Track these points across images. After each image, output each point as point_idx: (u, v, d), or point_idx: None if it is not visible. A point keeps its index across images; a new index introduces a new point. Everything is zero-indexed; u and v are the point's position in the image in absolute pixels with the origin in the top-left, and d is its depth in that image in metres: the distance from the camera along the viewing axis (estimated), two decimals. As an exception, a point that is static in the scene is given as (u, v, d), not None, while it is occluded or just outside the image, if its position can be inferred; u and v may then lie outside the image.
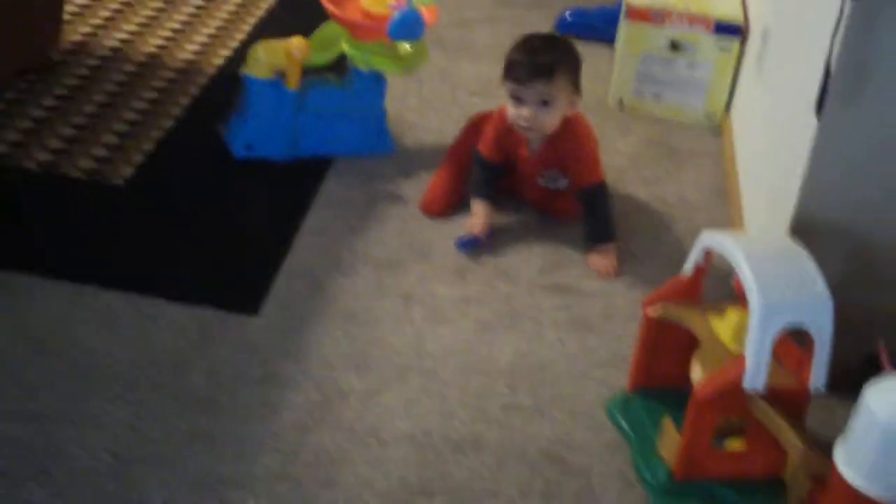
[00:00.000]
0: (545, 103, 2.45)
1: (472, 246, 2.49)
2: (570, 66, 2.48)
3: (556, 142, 2.53)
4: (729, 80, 3.04)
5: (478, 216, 2.54)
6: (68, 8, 3.15)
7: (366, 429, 2.00)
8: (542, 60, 2.44)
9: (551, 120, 2.48)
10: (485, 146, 2.60)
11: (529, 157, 2.57)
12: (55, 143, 2.65)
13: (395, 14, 2.59)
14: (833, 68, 1.95)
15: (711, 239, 1.98)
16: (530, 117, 2.46)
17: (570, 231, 2.57)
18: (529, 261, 2.48)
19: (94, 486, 1.82)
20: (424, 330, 2.25)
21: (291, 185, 2.64)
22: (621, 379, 2.15)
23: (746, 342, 1.80)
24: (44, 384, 2.01)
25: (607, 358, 2.23)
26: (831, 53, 1.95)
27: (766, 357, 1.79)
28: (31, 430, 1.91)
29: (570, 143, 2.53)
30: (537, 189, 2.62)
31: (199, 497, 1.83)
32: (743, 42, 3.00)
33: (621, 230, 2.59)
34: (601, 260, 2.49)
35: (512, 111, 2.49)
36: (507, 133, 2.55)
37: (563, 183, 2.59)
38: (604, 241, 2.52)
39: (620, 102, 3.12)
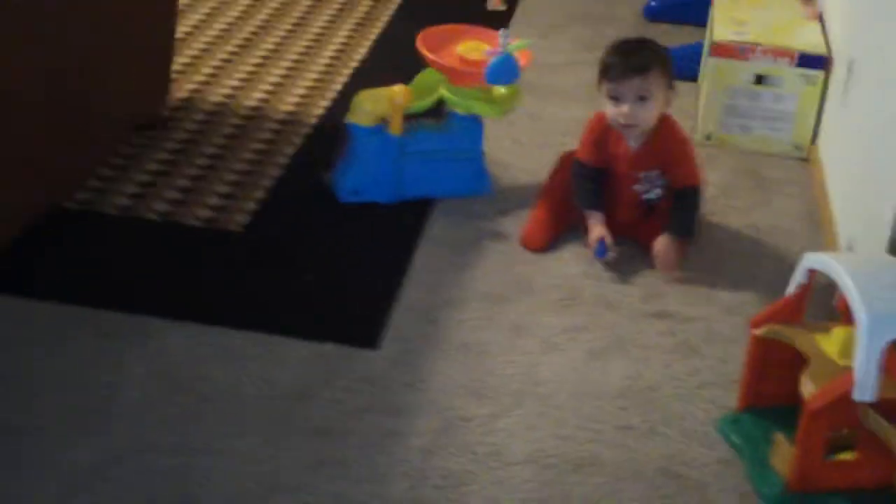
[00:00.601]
0: (642, 99, 2.57)
1: (605, 251, 2.61)
2: (663, 63, 2.61)
3: (654, 140, 2.64)
4: (815, 110, 3.12)
5: (596, 229, 2.64)
6: (174, 66, 3.30)
7: (488, 452, 2.09)
8: (636, 58, 2.59)
9: (649, 115, 2.60)
10: (583, 151, 2.72)
11: (628, 155, 2.66)
12: (172, 195, 2.79)
13: (492, 59, 2.71)
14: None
15: (814, 259, 2.06)
16: (629, 114, 2.58)
17: (668, 260, 2.67)
18: (630, 290, 2.57)
19: (239, 510, 1.93)
20: (536, 358, 2.34)
21: (397, 226, 2.75)
22: (729, 399, 2.23)
23: (855, 355, 1.88)
24: (182, 419, 2.12)
25: (713, 379, 2.31)
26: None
27: (874, 368, 1.86)
28: (174, 462, 2.02)
29: (669, 141, 2.65)
30: (630, 204, 2.70)
31: (337, 518, 1.93)
32: (827, 73, 3.07)
33: (715, 257, 2.68)
34: (668, 251, 2.60)
35: (611, 110, 2.61)
36: (605, 134, 2.67)
37: (657, 191, 2.69)
38: (680, 235, 2.62)
39: (708, 136, 3.21)
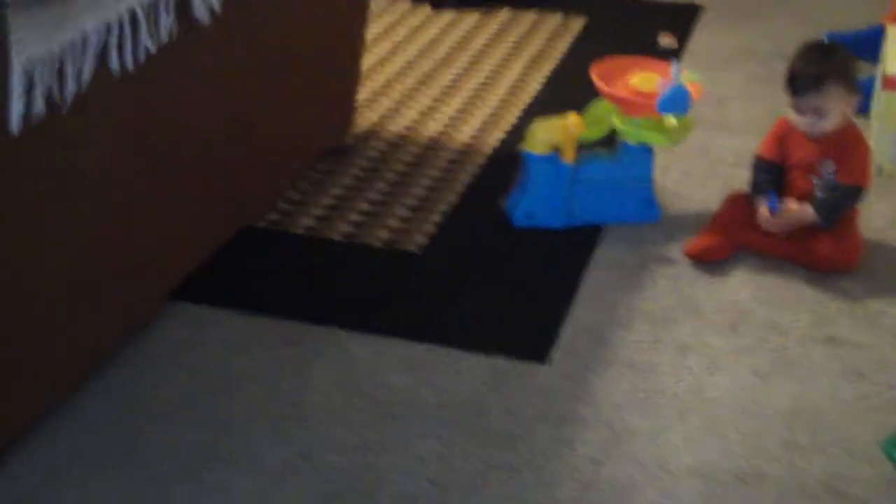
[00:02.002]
0: (820, 112, 2.70)
1: (777, 204, 2.77)
2: (842, 73, 2.71)
3: (835, 136, 2.76)
4: None
5: (766, 213, 2.78)
6: (359, 97, 3.48)
7: (654, 463, 2.17)
8: (813, 73, 2.70)
9: (828, 126, 2.73)
10: (764, 146, 2.86)
11: (809, 145, 2.78)
12: (355, 217, 2.95)
13: (665, 90, 2.80)
14: None
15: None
16: (809, 123, 2.73)
17: (836, 284, 2.70)
18: (799, 315, 2.62)
19: (416, 507, 2.05)
20: (702, 377, 2.41)
21: (568, 250, 2.85)
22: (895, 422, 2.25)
23: None
24: (362, 422, 2.26)
25: (881, 404, 2.34)
26: None
27: None
28: (357, 460, 2.16)
29: (850, 140, 2.76)
30: (805, 198, 2.77)
31: (508, 518, 2.03)
32: None
33: (887, 286, 2.70)
34: (796, 214, 2.73)
35: (795, 117, 2.76)
36: (789, 133, 2.81)
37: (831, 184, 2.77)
38: (819, 212, 2.73)
39: (880, 170, 3.22)
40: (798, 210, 2.76)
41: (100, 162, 2.17)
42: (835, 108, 2.71)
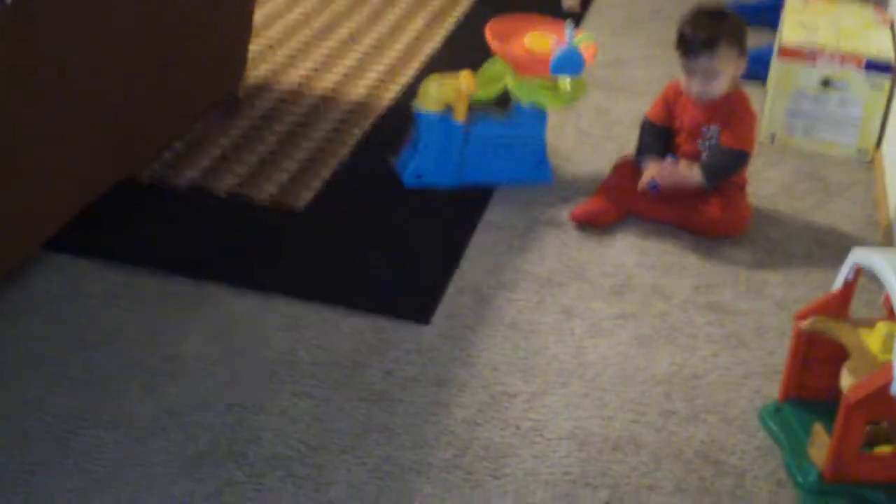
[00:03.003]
0: (712, 75, 2.69)
1: (657, 185, 2.75)
2: (734, 35, 2.70)
3: (722, 101, 2.76)
4: (881, 115, 3.13)
5: (650, 170, 2.78)
6: (251, 49, 3.40)
7: (531, 427, 2.15)
8: (706, 35, 2.68)
9: (719, 87, 2.73)
10: (653, 110, 2.86)
11: (697, 109, 2.78)
12: (242, 170, 2.88)
13: (557, 51, 2.77)
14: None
15: (860, 255, 2.08)
16: (700, 88, 2.72)
17: (722, 252, 2.70)
18: (683, 281, 2.61)
19: (287, 469, 2.01)
20: (584, 341, 2.39)
21: (457, 211, 2.82)
22: (773, 390, 2.26)
23: (894, 349, 1.90)
24: (237, 380, 2.21)
25: (760, 371, 2.34)
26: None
27: (914, 362, 1.89)
28: (229, 419, 2.11)
29: (737, 105, 2.76)
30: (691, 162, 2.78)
31: (381, 481, 2.00)
32: (894, 78, 3.08)
33: (771, 254, 2.72)
34: (678, 170, 2.75)
35: (684, 81, 2.75)
36: (676, 96, 2.81)
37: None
38: (703, 170, 2.73)
39: (773, 137, 3.23)
40: (684, 169, 2.75)
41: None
42: (725, 71, 2.71)
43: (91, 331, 2.31)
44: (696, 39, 2.70)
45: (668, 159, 2.79)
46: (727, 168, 2.76)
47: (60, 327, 2.31)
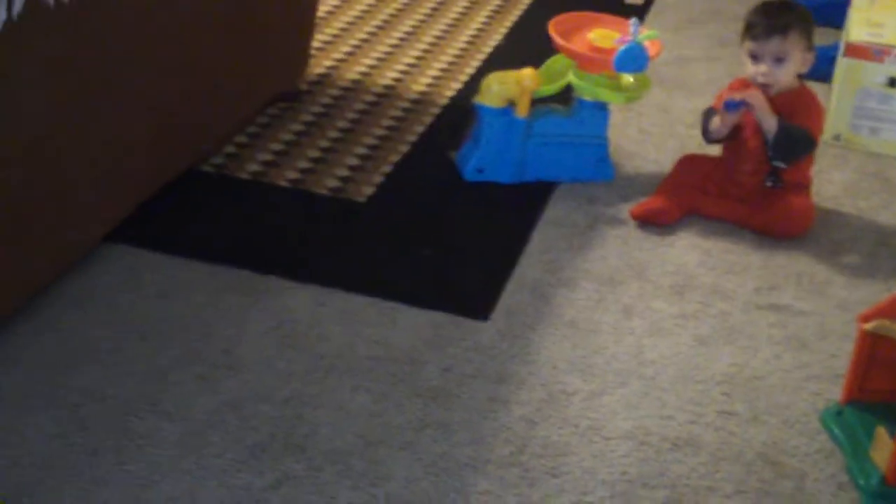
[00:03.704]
0: (780, 60, 2.68)
1: (737, 107, 2.70)
2: (804, 25, 2.69)
3: (790, 95, 2.73)
4: (948, 114, 3.08)
5: (743, 90, 2.75)
6: (314, 43, 3.41)
7: (589, 426, 2.14)
8: (778, 19, 2.68)
9: (786, 75, 2.70)
10: (718, 101, 2.80)
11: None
12: (303, 164, 2.89)
13: (621, 47, 2.75)
14: None
15: (928, 257, 2.05)
16: (767, 72, 2.69)
17: (785, 252, 2.67)
18: (745, 282, 2.59)
19: (344, 462, 2.01)
20: (644, 341, 2.38)
21: (518, 207, 2.81)
22: (835, 393, 2.23)
23: (962, 352, 1.88)
24: (295, 373, 2.22)
25: (821, 373, 2.32)
26: None
27: (981, 367, 1.86)
28: (287, 412, 2.11)
29: (804, 98, 2.74)
30: (757, 160, 2.75)
31: (437, 476, 1.99)
32: (963, 77, 3.04)
33: (834, 254, 2.69)
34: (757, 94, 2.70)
35: (751, 68, 2.72)
36: (742, 89, 2.76)
37: None
38: (770, 143, 2.69)
39: (837, 137, 3.19)
40: (764, 111, 2.69)
41: (33, 93, 2.10)
42: (794, 58, 2.69)
43: (149, 322, 2.33)
44: (769, 21, 2.69)
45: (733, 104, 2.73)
46: (797, 143, 2.71)
47: (118, 317, 2.33)
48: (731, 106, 2.71)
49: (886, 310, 2.12)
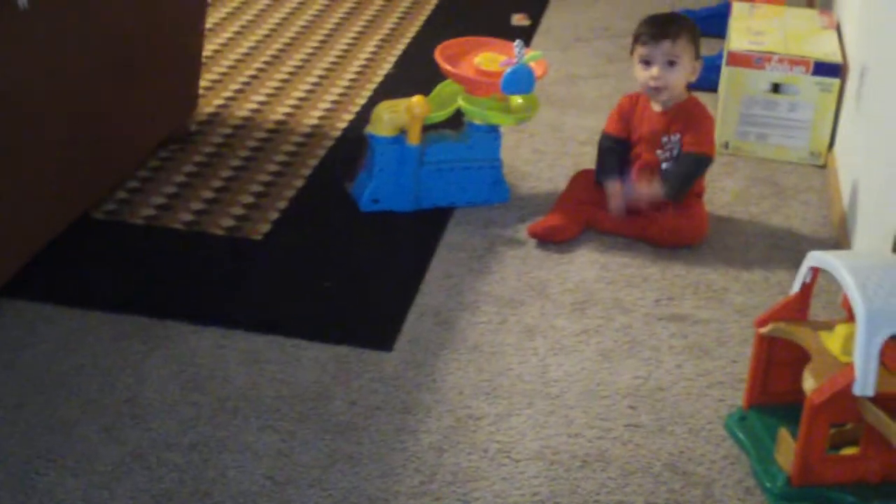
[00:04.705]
0: (671, 63, 2.73)
1: (631, 190, 2.78)
2: (692, 33, 2.76)
3: (680, 107, 2.79)
4: (831, 117, 3.15)
5: (614, 195, 2.80)
6: (203, 82, 3.39)
7: (498, 449, 2.14)
8: (667, 26, 2.74)
9: (677, 79, 2.75)
10: (609, 122, 2.86)
11: (653, 118, 2.80)
12: (197, 206, 2.87)
13: (507, 70, 2.77)
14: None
15: (817, 257, 2.09)
16: (659, 76, 2.73)
17: (682, 261, 2.71)
18: (645, 294, 2.61)
19: (253, 504, 1.99)
20: (548, 359, 2.39)
21: (416, 235, 2.81)
22: (738, 398, 2.26)
23: (854, 350, 1.91)
24: (200, 418, 2.19)
25: (724, 379, 2.35)
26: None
27: (873, 363, 1.89)
28: (194, 457, 2.08)
29: (693, 108, 2.79)
30: (651, 173, 2.80)
31: (348, 512, 1.98)
32: (842, 80, 3.11)
33: (729, 261, 2.73)
34: (645, 189, 2.77)
35: (642, 74, 2.76)
36: (632, 106, 2.83)
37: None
38: (667, 185, 2.75)
39: (726, 145, 3.24)
40: (649, 188, 2.76)
41: None
42: (684, 64, 2.74)
43: (49, 375, 2.28)
44: (660, 27, 2.75)
45: (625, 186, 2.79)
46: (692, 176, 2.77)
47: (17, 373, 2.29)
48: (627, 193, 2.77)
49: (781, 312, 2.16)
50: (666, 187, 2.75)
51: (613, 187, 2.80)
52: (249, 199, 2.91)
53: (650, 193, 2.76)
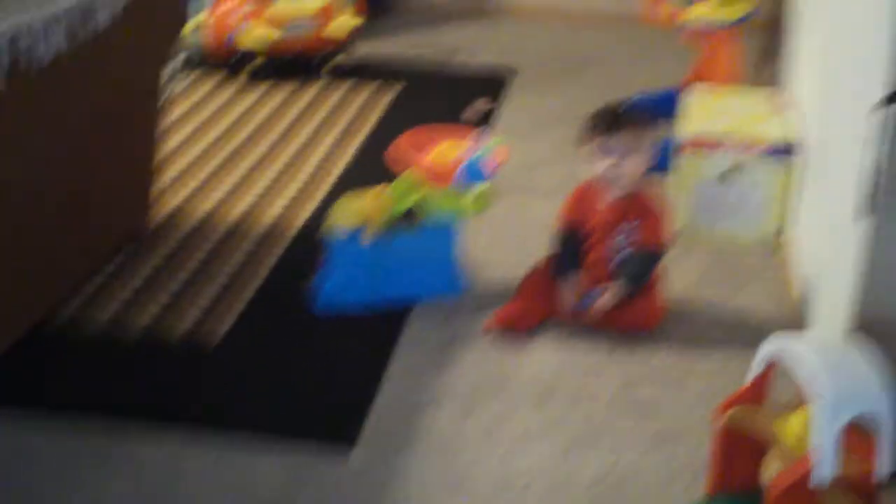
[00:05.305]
0: (626, 153, 2.73)
1: (589, 300, 2.76)
2: (646, 123, 2.79)
3: (633, 197, 2.79)
4: (785, 198, 3.17)
5: (571, 290, 2.80)
6: (161, 183, 3.39)
7: (462, 548, 2.11)
8: (621, 116, 2.77)
9: (634, 168, 2.76)
10: (565, 214, 2.88)
11: (608, 208, 2.81)
12: (155, 310, 2.85)
13: (465, 160, 2.79)
14: (880, 168, 2.11)
15: (774, 344, 2.09)
16: (616, 165, 2.74)
17: (642, 348, 2.72)
18: (606, 382, 2.61)
19: None
20: (512, 452, 2.37)
21: (376, 330, 2.80)
22: (701, 487, 2.25)
23: (813, 436, 1.91)
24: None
25: (687, 467, 2.33)
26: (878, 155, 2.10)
27: (833, 449, 1.89)
28: (152, 570, 2.05)
29: (647, 201, 2.80)
30: (605, 263, 2.81)
31: None
32: (795, 161, 3.14)
33: (690, 347, 2.73)
34: (606, 298, 2.75)
35: (597, 165, 2.77)
36: (585, 196, 2.85)
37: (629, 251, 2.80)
38: (625, 283, 2.75)
39: (681, 229, 3.26)
40: (608, 297, 2.76)
41: None
42: (639, 153, 2.75)
43: (4, 490, 2.24)
44: (615, 117, 2.77)
45: (583, 298, 2.79)
46: (647, 271, 2.79)
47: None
48: (585, 304, 2.77)
49: (740, 399, 2.15)
50: (621, 285, 2.76)
51: (569, 282, 2.81)
52: (207, 302, 2.89)
53: (607, 302, 2.76)
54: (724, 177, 3.19)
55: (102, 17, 2.49)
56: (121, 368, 2.64)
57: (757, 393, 2.14)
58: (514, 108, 4.23)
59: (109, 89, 2.76)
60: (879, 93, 2.09)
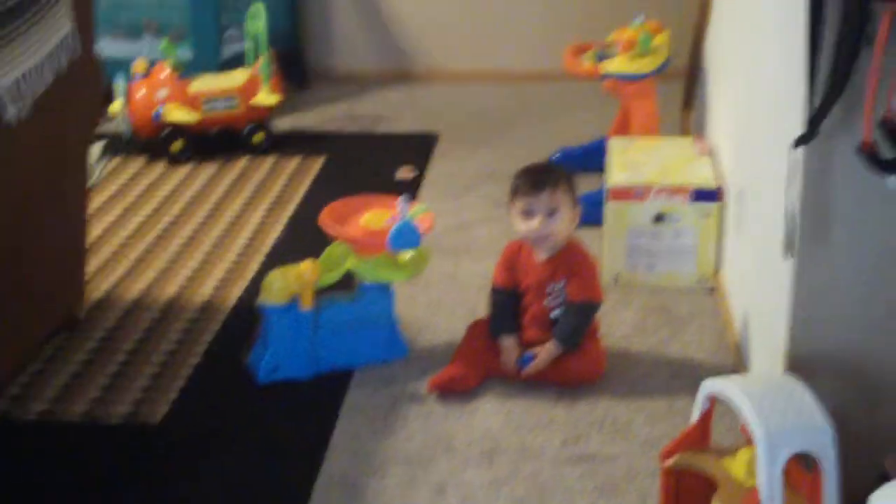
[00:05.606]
0: (552, 212, 2.74)
1: (528, 360, 2.78)
2: (568, 181, 2.80)
3: (562, 254, 2.80)
4: (714, 241, 3.21)
5: (509, 350, 2.81)
6: (91, 267, 3.36)
7: None
8: (544, 175, 2.78)
9: (559, 227, 2.76)
10: (496, 275, 2.88)
11: (538, 268, 2.81)
12: (92, 394, 2.81)
13: (393, 226, 2.79)
14: (799, 210, 2.14)
15: (712, 385, 2.11)
16: (541, 226, 2.74)
17: (585, 399, 2.72)
18: (551, 436, 2.61)
19: None
20: (460, 515, 2.36)
21: (318, 401, 2.78)
22: (653, 533, 2.25)
23: (757, 474, 1.92)
24: None
25: (637, 516, 2.33)
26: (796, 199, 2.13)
27: (777, 487, 1.90)
28: None
29: (575, 254, 2.81)
30: (540, 321, 2.83)
31: None
32: (721, 204, 3.18)
33: (632, 394, 2.74)
34: (544, 355, 2.77)
35: (523, 226, 2.78)
36: (516, 256, 2.86)
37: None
38: (563, 341, 2.78)
39: (616, 278, 3.29)
40: (544, 356, 2.77)
41: None
42: (564, 212, 2.76)
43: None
44: (538, 177, 2.78)
45: (522, 358, 2.81)
46: (583, 325, 2.80)
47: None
48: (525, 361, 2.79)
49: (685, 443, 2.16)
50: (559, 342, 2.77)
51: (507, 342, 2.82)
52: (145, 383, 2.86)
53: (542, 363, 2.77)
54: (654, 223, 3.21)
55: (10, 114, 2.47)
56: (58, 459, 2.59)
57: (700, 434, 2.16)
58: (441, 169, 4.25)
59: (30, 179, 2.73)
60: (795, 134, 2.13)
